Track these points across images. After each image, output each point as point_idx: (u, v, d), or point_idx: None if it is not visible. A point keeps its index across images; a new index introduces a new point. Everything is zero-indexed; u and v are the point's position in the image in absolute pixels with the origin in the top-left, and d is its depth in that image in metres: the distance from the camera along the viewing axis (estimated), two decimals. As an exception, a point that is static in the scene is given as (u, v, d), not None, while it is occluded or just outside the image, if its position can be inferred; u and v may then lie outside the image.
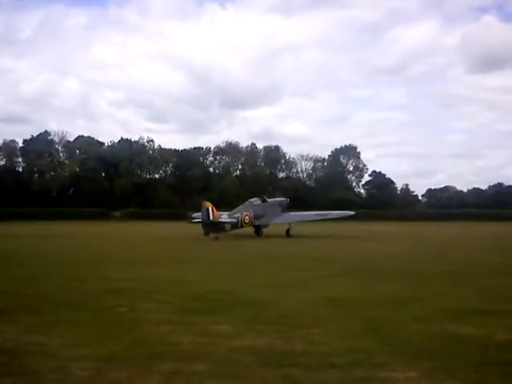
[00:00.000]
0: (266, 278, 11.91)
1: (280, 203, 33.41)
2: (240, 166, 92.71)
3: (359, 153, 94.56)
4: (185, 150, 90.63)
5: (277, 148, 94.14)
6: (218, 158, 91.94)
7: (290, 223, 31.51)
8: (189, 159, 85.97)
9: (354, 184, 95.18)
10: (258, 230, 31.69)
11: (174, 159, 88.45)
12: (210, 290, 10.11)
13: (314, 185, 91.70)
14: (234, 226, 28.83)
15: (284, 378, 5.11)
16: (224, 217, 28.98)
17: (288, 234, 30.88)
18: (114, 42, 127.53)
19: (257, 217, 30.58)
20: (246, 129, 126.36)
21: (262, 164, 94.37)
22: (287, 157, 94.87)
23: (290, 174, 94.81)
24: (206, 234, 27.36)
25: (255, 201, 31.85)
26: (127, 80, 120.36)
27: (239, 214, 29.69)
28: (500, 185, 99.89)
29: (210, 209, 27.45)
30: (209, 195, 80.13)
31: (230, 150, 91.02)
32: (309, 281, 11.48)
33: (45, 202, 67.77)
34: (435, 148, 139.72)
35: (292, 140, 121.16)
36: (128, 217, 64.01)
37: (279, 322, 7.30)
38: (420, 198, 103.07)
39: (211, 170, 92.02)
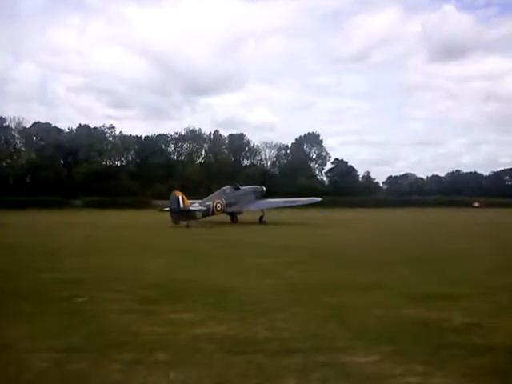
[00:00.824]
0: (230, 266, 11.91)
1: (254, 191, 34.07)
2: (203, 154, 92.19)
3: (322, 141, 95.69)
4: (147, 136, 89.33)
5: (241, 135, 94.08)
6: (180, 145, 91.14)
7: (263, 210, 32.46)
8: (151, 146, 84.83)
9: (317, 172, 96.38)
10: (233, 217, 32.43)
11: (136, 146, 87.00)
12: (172, 278, 10.03)
13: (277, 172, 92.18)
14: (206, 213, 29.47)
15: (247, 364, 5.13)
16: (196, 205, 29.53)
17: (261, 220, 31.83)
18: (73, 25, 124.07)
19: (229, 204, 31.28)
20: (210, 116, 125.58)
21: (226, 151, 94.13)
22: (251, 144, 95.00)
23: (254, 162, 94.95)
24: (176, 222, 27.86)
25: (228, 189, 32.51)
26: (87, 65, 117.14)
27: (211, 202, 30.40)
28: (458, 172, 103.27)
29: (180, 197, 27.99)
30: (171, 183, 79.65)
31: (193, 137, 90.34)
32: (273, 268, 11.54)
33: (1, 191, 65.52)
34: (396, 136, 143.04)
35: (256, 127, 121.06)
36: (88, 205, 62.65)
37: (242, 309, 7.32)
38: (381, 185, 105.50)
39: (174, 157, 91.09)
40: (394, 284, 9.39)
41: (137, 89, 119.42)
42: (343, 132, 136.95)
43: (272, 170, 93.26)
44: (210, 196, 32.03)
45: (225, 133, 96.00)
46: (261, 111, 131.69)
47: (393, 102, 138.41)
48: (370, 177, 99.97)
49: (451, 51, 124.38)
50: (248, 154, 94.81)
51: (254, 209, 32.69)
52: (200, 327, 6.40)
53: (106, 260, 13.04)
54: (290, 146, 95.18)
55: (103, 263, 12.37)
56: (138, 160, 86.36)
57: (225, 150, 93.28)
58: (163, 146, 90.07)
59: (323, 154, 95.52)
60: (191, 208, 28.83)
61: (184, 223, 27.77)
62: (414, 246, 17.21)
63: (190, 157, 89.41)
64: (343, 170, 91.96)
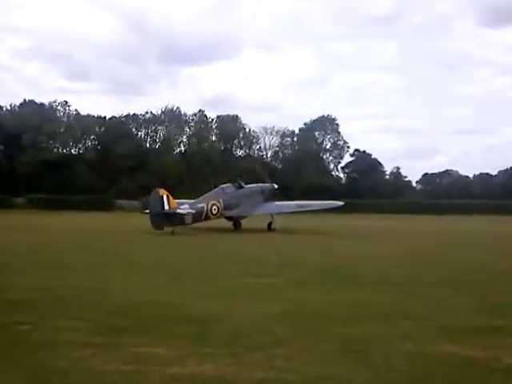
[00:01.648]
0: (217, 286, 11.99)
1: (262, 190, 34.93)
2: (185, 140, 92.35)
3: (338, 126, 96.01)
4: (112, 117, 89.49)
5: (234, 118, 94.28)
6: (155, 128, 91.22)
7: (272, 215, 33.59)
8: (117, 130, 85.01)
9: (332, 166, 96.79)
10: (235, 222, 33.48)
11: (98, 129, 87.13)
12: (144, 301, 10.10)
13: (280, 166, 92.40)
14: (197, 217, 30.21)
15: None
16: (184, 207, 30.19)
17: (270, 227, 32.96)
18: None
19: (228, 207, 32.14)
20: (194, 92, 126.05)
21: (215, 138, 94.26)
22: (247, 130, 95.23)
23: (251, 152, 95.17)
24: (158, 227, 28.51)
25: (228, 187, 33.46)
26: (35, 23, 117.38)
27: (204, 204, 31.15)
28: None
29: (165, 197, 28.78)
30: (143, 177, 79.71)
31: (173, 118, 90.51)
32: (269, 289, 11.63)
33: None
34: (434, 122, 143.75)
35: (254, 108, 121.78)
36: (35, 205, 62.70)
37: (231, 342, 7.37)
38: (414, 184, 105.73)
39: (147, 144, 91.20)
40: (426, 311, 9.49)
41: (100, 55, 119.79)
42: (366, 115, 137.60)
43: (274, 163, 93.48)
44: (205, 196, 32.64)
45: (213, 114, 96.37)
46: (260, 87, 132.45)
47: (431, 77, 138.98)
48: (399, 173, 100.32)
49: (509, 13, 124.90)
50: (243, 142, 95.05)
51: (260, 213, 33.56)
52: (178, 366, 6.45)
53: (60, 277, 13.10)
54: (297, 132, 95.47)
55: (57, 281, 12.44)
56: (99, 147, 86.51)
57: (213, 137, 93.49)
58: (133, 129, 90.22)
59: (340, 143, 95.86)
60: (178, 211, 29.31)
61: (169, 229, 28.35)
62: (455, 261, 17.31)
63: (168, 144, 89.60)
64: (365, 164, 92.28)
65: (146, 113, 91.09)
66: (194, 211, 30.00)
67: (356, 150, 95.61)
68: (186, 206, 30.60)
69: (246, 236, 28.81)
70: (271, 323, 8.47)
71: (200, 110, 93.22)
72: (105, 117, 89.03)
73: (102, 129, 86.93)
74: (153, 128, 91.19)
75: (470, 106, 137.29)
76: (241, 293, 11.18)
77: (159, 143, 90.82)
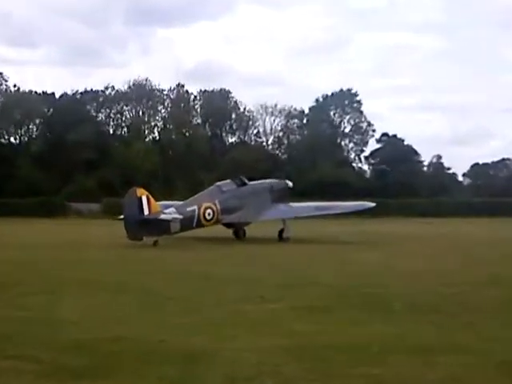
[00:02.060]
0: (205, 316, 12.01)
1: (270, 188, 35.46)
2: (160, 124, 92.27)
3: (361, 103, 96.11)
4: (65, 95, 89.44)
5: (223, 94, 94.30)
6: (121, 108, 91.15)
7: (284, 221, 33.82)
8: (71, 111, 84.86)
9: (353, 156, 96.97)
10: (237, 230, 34.44)
11: (46, 110, 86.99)
12: (109, 335, 10.13)
13: (285, 156, 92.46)
14: (186, 224, 30.54)
15: None
16: (170, 211, 30.39)
17: (281, 236, 33.41)
18: None
19: (226, 210, 32.63)
20: (171, 60, 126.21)
21: (199, 121, 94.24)
22: (241, 109, 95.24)
23: (246, 138, 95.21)
24: (136, 237, 28.89)
25: (226, 185, 34.16)
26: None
27: (195, 207, 31.40)
28: None
29: (145, 199, 29.01)
30: (105, 173, 79.64)
31: (143, 95, 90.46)
32: (272, 318, 11.67)
33: None
34: (486, 97, 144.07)
35: (249, 81, 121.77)
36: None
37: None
38: (460, 178, 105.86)
39: (109, 129, 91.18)
40: (479, 344, 9.49)
41: (47, 14, 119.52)
42: (397, 89, 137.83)
43: (276, 151, 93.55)
44: (196, 197, 33.23)
45: (196, 88, 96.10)
46: (257, 53, 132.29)
47: (483, 38, 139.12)
48: (441, 164, 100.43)
49: None
50: (236, 126, 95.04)
51: (267, 218, 34.31)
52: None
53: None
54: (306, 112, 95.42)
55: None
56: (48, 134, 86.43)
57: (196, 119, 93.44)
58: (92, 110, 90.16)
59: (363, 125, 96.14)
60: (162, 216, 29.48)
61: (150, 240, 28.71)
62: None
63: (138, 129, 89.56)
64: (396, 152, 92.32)
65: (108, 88, 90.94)
66: (182, 216, 30.18)
67: (384, 135, 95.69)
68: (172, 209, 30.79)
69: (245, 248, 29.09)
70: (275, 361, 8.46)
71: (179, 84, 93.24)
72: (54, 94, 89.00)
73: (51, 110, 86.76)
74: (117, 108, 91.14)
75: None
76: (236, 323, 11.19)
77: (126, 128, 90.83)
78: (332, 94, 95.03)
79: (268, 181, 36.78)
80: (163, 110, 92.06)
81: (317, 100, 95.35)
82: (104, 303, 13.54)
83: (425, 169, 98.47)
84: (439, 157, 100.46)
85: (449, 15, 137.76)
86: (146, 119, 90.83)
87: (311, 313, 12.26)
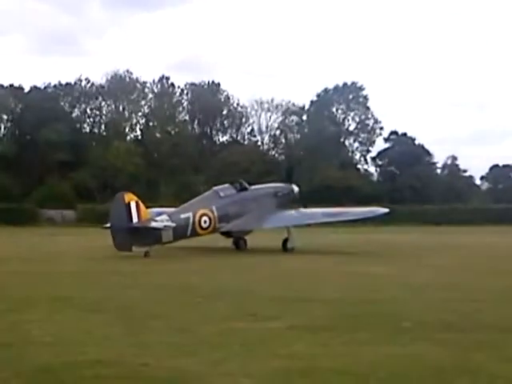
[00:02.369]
0: (193, 336, 11.98)
1: (274, 193, 36.28)
2: (142, 121, 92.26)
3: (367, 98, 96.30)
4: (35, 89, 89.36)
5: (213, 87, 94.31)
6: (99, 104, 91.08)
7: (289, 229, 34.28)
8: (42, 107, 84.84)
9: (358, 156, 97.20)
10: (237, 239, 35.14)
11: (13, 105, 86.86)
12: (83, 359, 10.09)
13: (282, 158, 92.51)
14: (180, 233, 31.03)
15: None
16: (161, 219, 30.95)
17: (285, 246, 33.96)
18: None
19: (225, 217, 33.22)
20: (155, 49, 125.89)
21: (186, 117, 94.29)
22: (233, 105, 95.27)
23: (239, 137, 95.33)
24: (123, 247, 29.00)
25: (224, 189, 34.65)
26: None
27: (190, 214, 31.82)
28: None
29: (134, 205, 29.32)
30: (80, 176, 79.65)
31: (123, 88, 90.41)
32: (269, 338, 11.64)
33: None
34: (507, 92, 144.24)
35: (242, 72, 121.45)
36: None
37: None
38: (478, 182, 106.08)
39: (86, 127, 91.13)
40: (498, 366, 9.49)
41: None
42: (407, 81, 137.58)
43: (273, 152, 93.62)
44: (191, 202, 33.72)
45: (183, 81, 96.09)
46: (251, 41, 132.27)
47: (503, 31, 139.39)
48: (456, 166, 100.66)
49: None
50: (227, 123, 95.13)
51: (271, 226, 34.84)
52: None
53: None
54: (306, 107, 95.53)
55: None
56: (16, 132, 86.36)
57: (183, 115, 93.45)
58: (66, 105, 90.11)
59: (369, 123, 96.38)
60: (152, 224, 29.86)
61: (140, 250, 29.10)
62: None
63: (117, 127, 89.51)
64: (407, 153, 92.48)
65: (82, 81, 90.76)
66: (175, 224, 30.48)
67: (393, 133, 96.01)
68: (165, 217, 31.16)
69: (239, 258, 29.47)
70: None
71: (163, 77, 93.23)
72: (22, 87, 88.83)
73: (20, 106, 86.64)
74: (95, 103, 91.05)
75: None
76: (227, 344, 11.16)
77: (104, 126, 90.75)
78: (334, 87, 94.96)
79: (272, 185, 37.44)
80: (146, 106, 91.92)
81: (318, 94, 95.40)
82: (79, 322, 13.49)
83: (438, 171, 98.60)
84: (454, 158, 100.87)
85: (471, 5, 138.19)
86: (127, 116, 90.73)
87: (311, 332, 12.24)
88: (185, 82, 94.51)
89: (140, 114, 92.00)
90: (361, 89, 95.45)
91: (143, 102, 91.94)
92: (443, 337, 11.75)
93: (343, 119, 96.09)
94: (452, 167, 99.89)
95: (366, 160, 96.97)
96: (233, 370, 9.32)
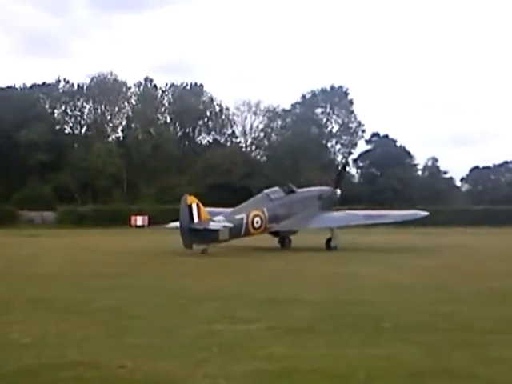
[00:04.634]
0: (174, 338, 11.98)
1: (319, 195, 38.73)
2: (124, 123, 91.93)
3: (352, 102, 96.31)
4: (14, 88, 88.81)
5: (197, 89, 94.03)
6: (80, 105, 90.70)
7: (332, 230, 36.87)
8: (23, 107, 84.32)
9: (340, 158, 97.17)
10: (283, 239, 37.61)
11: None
12: (63, 361, 10.08)
13: (265, 159, 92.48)
14: (235, 233, 33.44)
15: None
16: (218, 219, 33.31)
17: (329, 245, 36.40)
18: None
19: (275, 218, 35.57)
20: (138, 50, 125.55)
21: (168, 119, 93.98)
22: (217, 106, 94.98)
23: (223, 140, 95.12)
24: (188, 245, 31.67)
25: (274, 192, 37.01)
26: None
27: (244, 215, 34.27)
28: None
29: (195, 207, 31.74)
30: (61, 177, 79.36)
31: (105, 90, 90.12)
32: (250, 340, 11.66)
33: None
34: (488, 94, 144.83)
35: (226, 74, 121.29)
36: None
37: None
38: (458, 183, 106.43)
39: (67, 128, 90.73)
40: (483, 369, 9.50)
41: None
42: (389, 83, 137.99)
43: (256, 153, 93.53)
44: (244, 205, 36.09)
45: (166, 81, 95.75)
46: (235, 43, 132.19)
47: (484, 34, 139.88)
48: (437, 168, 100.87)
49: None
50: (211, 124, 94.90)
51: (317, 226, 37.58)
52: None
53: None
54: (290, 109, 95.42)
55: None
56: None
57: (166, 116, 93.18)
58: (47, 106, 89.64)
59: (352, 125, 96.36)
60: (211, 225, 32.15)
61: (199, 248, 31.79)
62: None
63: (99, 128, 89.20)
64: (388, 154, 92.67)
65: (64, 82, 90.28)
66: (232, 225, 32.85)
67: (374, 135, 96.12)
68: (221, 217, 33.64)
69: (228, 260, 29.88)
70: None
71: (146, 78, 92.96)
72: (3, 88, 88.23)
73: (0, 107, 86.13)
74: (76, 104, 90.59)
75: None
76: (207, 346, 11.16)
77: (85, 127, 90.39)
78: (319, 90, 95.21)
79: (317, 188, 40.01)
80: (128, 108, 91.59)
81: (302, 96, 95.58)
82: (59, 324, 13.44)
83: (419, 173, 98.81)
84: (435, 159, 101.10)
85: (450, 10, 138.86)
86: (109, 117, 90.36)
87: (292, 334, 12.25)
88: (169, 82, 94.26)
89: (122, 115, 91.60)
90: (346, 93, 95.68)
91: (125, 104, 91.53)
92: (422, 338, 11.79)
93: (326, 121, 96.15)
94: (433, 169, 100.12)
95: (348, 161, 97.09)
96: (212, 372, 9.32)
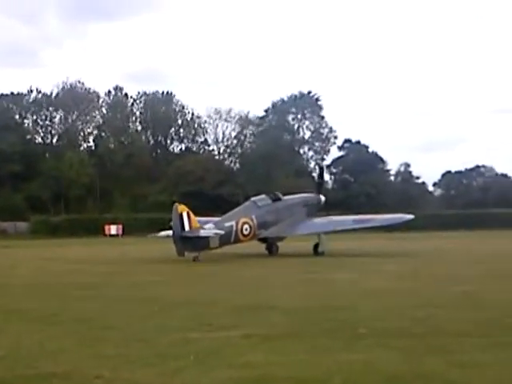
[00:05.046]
0: (148, 347, 11.93)
1: (304, 202, 39.85)
2: (95, 132, 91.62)
3: (322, 108, 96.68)
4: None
5: (167, 97, 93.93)
6: (50, 115, 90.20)
7: (319, 235, 37.59)
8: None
9: (313, 165, 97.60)
10: (270, 245, 38.10)
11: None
12: (36, 372, 9.98)
13: (237, 166, 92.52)
14: (225, 240, 34.18)
15: None
16: (208, 227, 34.18)
17: (316, 250, 37.13)
18: None
19: (263, 225, 36.44)
20: (109, 59, 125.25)
21: (139, 127, 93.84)
22: (188, 114, 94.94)
23: (196, 148, 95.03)
24: (181, 253, 32.23)
25: (261, 200, 37.94)
26: None
27: (233, 223, 35.01)
28: None
29: (185, 215, 32.22)
30: (33, 187, 78.90)
31: (75, 99, 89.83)
32: (225, 348, 11.62)
33: None
34: (459, 99, 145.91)
35: (198, 82, 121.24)
36: None
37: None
38: (431, 188, 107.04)
39: (38, 138, 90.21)
40: (458, 374, 9.53)
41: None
42: (361, 90, 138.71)
43: (229, 161, 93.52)
44: (233, 212, 36.96)
45: (137, 90, 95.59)
46: (207, 51, 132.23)
47: (453, 38, 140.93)
48: (409, 173, 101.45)
49: None
50: (183, 133, 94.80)
51: (305, 232, 38.41)
52: None
53: None
54: (263, 117, 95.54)
55: None
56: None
57: (137, 124, 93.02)
58: (17, 116, 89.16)
59: (324, 131, 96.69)
60: (201, 232, 32.74)
61: (191, 255, 32.31)
62: (496, 300, 17.54)
63: (71, 138, 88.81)
64: (360, 160, 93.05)
65: (37, 91, 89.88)
66: (222, 232, 33.52)
67: (347, 141, 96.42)
68: (211, 225, 34.48)
69: (204, 267, 29.97)
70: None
71: (117, 87, 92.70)
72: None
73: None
74: (46, 114, 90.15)
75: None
76: (183, 354, 11.11)
77: (57, 136, 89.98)
78: (290, 97, 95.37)
79: (302, 195, 41.02)
80: (99, 117, 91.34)
81: (273, 104, 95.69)
82: (33, 335, 13.31)
83: (392, 178, 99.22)
84: (407, 165, 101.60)
85: (422, 15, 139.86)
86: (80, 126, 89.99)
87: (268, 341, 12.22)
88: (140, 91, 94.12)
89: (93, 124, 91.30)
90: (316, 99, 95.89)
91: (96, 113, 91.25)
92: (398, 343, 11.83)
93: (298, 128, 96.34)
94: (405, 174, 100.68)
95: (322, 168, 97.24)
96: (189, 381, 9.30)
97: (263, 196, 38.26)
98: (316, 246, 37.17)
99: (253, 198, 38.14)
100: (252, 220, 35.42)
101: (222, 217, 36.50)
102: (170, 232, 33.27)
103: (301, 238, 40.54)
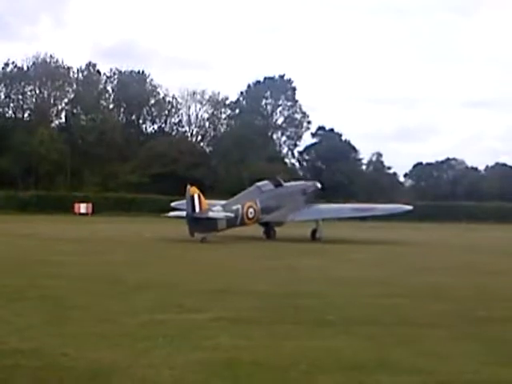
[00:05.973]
0: (116, 327, 11.94)
1: (303, 190, 41.06)
2: (68, 108, 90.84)
3: (295, 92, 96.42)
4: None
5: (140, 76, 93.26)
6: (22, 89, 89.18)
7: (317, 221, 39.13)
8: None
9: (285, 150, 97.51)
10: (269, 229, 39.03)
11: None
12: (1, 349, 10.02)
13: (210, 149, 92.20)
14: (232, 222, 35.46)
15: None
16: (216, 209, 35.29)
17: (314, 236, 38.62)
18: None
19: (266, 210, 37.65)
20: (84, 34, 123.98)
21: (111, 105, 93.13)
22: (162, 94, 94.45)
23: (167, 129, 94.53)
24: (192, 233, 33.42)
25: (265, 185, 39.31)
26: None
27: (239, 206, 36.25)
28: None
29: (196, 197, 33.37)
30: (2, 162, 78.08)
31: (48, 74, 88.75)
32: (191, 330, 11.68)
33: None
34: (433, 87, 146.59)
35: (173, 62, 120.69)
36: None
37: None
38: (402, 179, 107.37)
39: (9, 112, 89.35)
40: (421, 362, 9.62)
41: None
42: (336, 77, 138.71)
43: (201, 144, 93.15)
44: (238, 196, 38.35)
45: (110, 67, 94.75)
46: (183, 30, 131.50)
47: (432, 26, 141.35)
48: (381, 163, 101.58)
49: None
50: (155, 112, 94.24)
51: (304, 218, 39.52)
52: None
53: None
54: (236, 100, 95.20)
55: None
56: None
57: (109, 101, 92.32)
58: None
59: (297, 117, 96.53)
60: (210, 214, 33.98)
61: (199, 236, 33.38)
62: (460, 290, 17.72)
63: (42, 113, 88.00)
64: (333, 148, 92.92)
65: (6, 64, 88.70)
66: (230, 214, 34.93)
67: (320, 128, 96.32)
68: (219, 207, 35.66)
69: (173, 252, 29.87)
70: (193, 379, 8.51)
71: (90, 64, 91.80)
72: None
73: None
74: (18, 89, 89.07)
75: (490, 65, 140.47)
76: (151, 335, 11.13)
77: (28, 111, 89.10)
78: (264, 80, 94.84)
79: (301, 182, 43.44)
80: (71, 92, 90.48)
81: (248, 86, 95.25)
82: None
83: (363, 167, 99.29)
84: (379, 154, 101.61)
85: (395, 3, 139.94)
86: (52, 102, 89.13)
87: (236, 325, 12.29)
88: (113, 68, 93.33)
89: (65, 100, 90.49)
90: (289, 82, 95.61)
91: (68, 89, 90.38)
92: (364, 331, 11.93)
93: (271, 112, 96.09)
94: (377, 164, 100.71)
95: (293, 154, 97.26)
96: (155, 362, 9.31)
97: (266, 182, 39.53)
98: (314, 232, 38.50)
99: (257, 184, 39.30)
100: (256, 204, 36.68)
101: (229, 200, 37.70)
102: (179, 213, 35.90)
103: (297, 224, 41.33)
